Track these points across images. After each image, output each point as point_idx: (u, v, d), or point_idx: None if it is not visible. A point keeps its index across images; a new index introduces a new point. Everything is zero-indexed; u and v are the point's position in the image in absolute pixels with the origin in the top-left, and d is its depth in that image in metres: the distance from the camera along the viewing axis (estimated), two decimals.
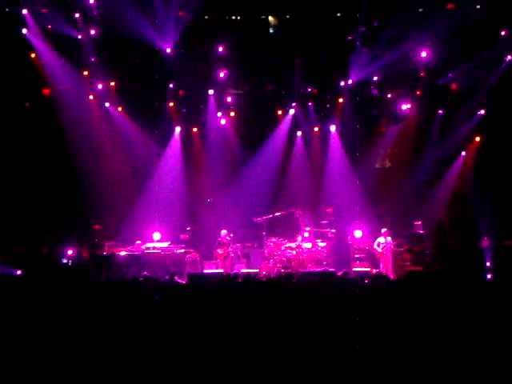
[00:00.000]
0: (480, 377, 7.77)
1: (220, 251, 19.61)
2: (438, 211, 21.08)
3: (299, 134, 22.70)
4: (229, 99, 22.04)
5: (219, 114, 22.28)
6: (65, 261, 17.58)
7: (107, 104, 21.60)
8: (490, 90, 20.75)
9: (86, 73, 20.70)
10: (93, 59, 20.38)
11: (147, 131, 21.84)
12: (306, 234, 19.80)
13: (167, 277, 13.47)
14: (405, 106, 21.57)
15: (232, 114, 22.37)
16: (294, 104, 22.17)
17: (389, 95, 21.66)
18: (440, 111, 21.77)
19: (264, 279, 17.00)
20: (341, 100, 21.89)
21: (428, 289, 9.61)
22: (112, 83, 21.23)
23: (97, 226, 20.00)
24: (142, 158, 22.01)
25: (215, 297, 9.30)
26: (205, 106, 22.03)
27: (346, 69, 20.90)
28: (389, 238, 19.16)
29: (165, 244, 19.56)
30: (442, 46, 19.85)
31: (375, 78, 21.20)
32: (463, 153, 22.07)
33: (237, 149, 22.58)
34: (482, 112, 21.34)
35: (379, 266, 18.99)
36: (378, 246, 19.16)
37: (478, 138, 21.87)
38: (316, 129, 22.70)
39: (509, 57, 20.21)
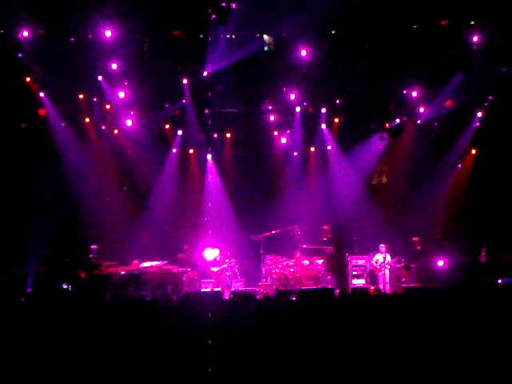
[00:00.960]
0: None
1: (214, 269, 19.60)
2: (435, 226, 21.08)
3: (295, 154, 22.79)
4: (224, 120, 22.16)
5: (215, 135, 22.38)
6: (64, 286, 17.43)
7: (103, 127, 21.67)
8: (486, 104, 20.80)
9: (81, 96, 20.76)
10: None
11: (144, 153, 21.87)
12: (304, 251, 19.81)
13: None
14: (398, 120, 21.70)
15: (228, 135, 22.50)
16: (288, 131, 22.30)
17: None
18: (436, 123, 21.76)
19: (262, 297, 16.98)
20: (336, 120, 21.98)
21: (425, 305, 9.59)
22: (108, 106, 21.33)
23: (93, 246, 19.99)
24: (139, 180, 22.06)
25: (209, 317, 9.29)
26: (201, 127, 22.13)
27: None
28: (388, 256, 19.14)
29: (161, 263, 19.52)
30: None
31: None
32: (459, 165, 22.05)
33: (233, 169, 22.64)
34: (477, 124, 21.36)
35: (377, 283, 18.96)
36: (376, 262, 19.14)
37: (473, 151, 21.86)
38: (312, 149, 22.78)
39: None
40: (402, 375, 7.85)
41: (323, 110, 21.81)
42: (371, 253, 19.73)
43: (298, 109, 21.65)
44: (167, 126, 22.18)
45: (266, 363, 7.99)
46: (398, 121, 21.73)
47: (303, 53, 19.09)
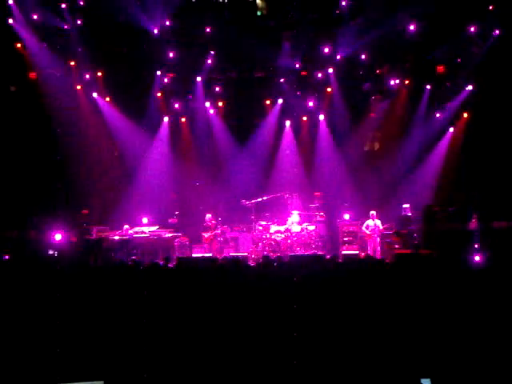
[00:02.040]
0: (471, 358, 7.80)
1: (206, 235, 19.62)
2: (426, 193, 21.07)
3: (288, 123, 22.70)
4: (217, 89, 22.03)
5: (207, 103, 22.26)
6: (51, 252, 17.33)
7: (95, 94, 21.48)
8: (477, 66, 20.59)
9: (72, 63, 20.60)
10: (79, 49, 20.29)
11: (136, 120, 21.74)
12: (296, 218, 19.80)
13: (161, 262, 13.36)
14: (393, 82, 21.55)
15: (220, 103, 22.45)
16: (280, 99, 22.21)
17: (377, 71, 21.60)
18: (428, 86, 21.54)
19: (253, 263, 17.04)
20: (329, 89, 21.88)
21: (417, 271, 9.62)
22: (99, 73, 21.16)
23: (85, 211, 19.94)
24: (131, 145, 21.99)
25: (205, 281, 9.29)
26: (193, 95, 21.95)
27: (334, 43, 20.82)
28: (378, 221, 19.19)
29: (153, 228, 19.50)
30: (430, 20, 19.73)
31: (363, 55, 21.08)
32: (451, 129, 21.88)
33: (226, 136, 22.54)
34: (470, 88, 21.20)
35: (367, 249, 19.03)
36: (367, 228, 19.19)
37: (465, 115, 21.66)
38: (304, 118, 22.69)
39: (497, 31, 20.01)
40: (395, 339, 7.91)
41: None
42: (362, 219, 19.77)
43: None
44: (159, 94, 21.98)
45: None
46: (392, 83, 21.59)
47: None
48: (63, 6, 19.64)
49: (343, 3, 20.15)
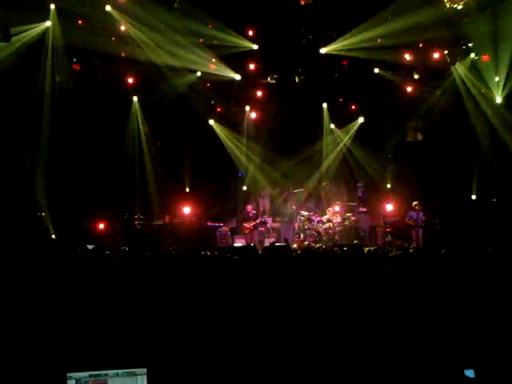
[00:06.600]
0: None
1: (246, 225, 19.66)
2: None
3: (325, 105, 22.03)
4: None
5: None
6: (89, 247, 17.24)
7: None
8: None
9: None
10: None
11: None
12: (337, 208, 19.73)
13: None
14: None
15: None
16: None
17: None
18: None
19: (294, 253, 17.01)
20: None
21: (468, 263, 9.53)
22: None
23: (127, 201, 20.10)
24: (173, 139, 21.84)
25: (243, 269, 9.34)
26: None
27: None
28: (421, 213, 19.02)
29: (194, 218, 19.62)
30: None
31: None
32: None
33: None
34: None
35: (411, 240, 18.86)
36: (410, 219, 19.04)
37: None
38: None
39: None
40: (439, 330, 7.83)
41: None
42: (406, 211, 19.59)
43: None
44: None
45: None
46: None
47: None
48: None
49: None
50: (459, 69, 20.02)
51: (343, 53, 19.92)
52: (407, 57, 20.11)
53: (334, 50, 19.89)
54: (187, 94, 20.87)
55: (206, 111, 21.56)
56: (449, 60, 19.90)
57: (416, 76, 20.48)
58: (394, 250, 14.04)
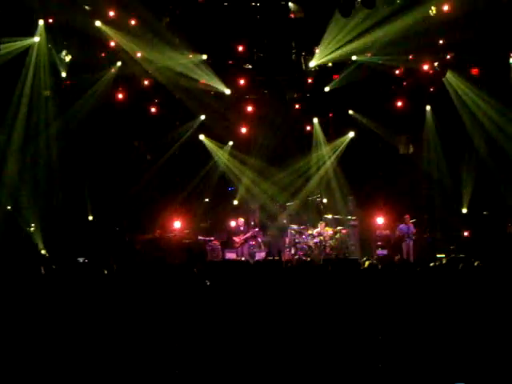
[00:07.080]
0: None
1: (236, 239, 19.60)
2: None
3: (315, 120, 21.96)
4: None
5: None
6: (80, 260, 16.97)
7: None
8: None
9: None
10: None
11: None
12: (328, 221, 19.73)
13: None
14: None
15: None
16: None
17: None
18: None
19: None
20: None
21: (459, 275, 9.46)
22: None
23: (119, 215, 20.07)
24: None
25: (238, 284, 9.27)
26: None
27: None
28: (412, 226, 19.07)
29: (184, 232, 19.56)
30: None
31: None
32: None
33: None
34: None
35: (401, 253, 18.85)
36: (401, 232, 19.05)
37: None
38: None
39: None
40: (430, 344, 7.79)
41: None
42: (396, 224, 19.61)
43: None
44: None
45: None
46: None
47: None
48: None
49: None
50: (450, 79, 20.01)
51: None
52: (397, 72, 20.19)
53: (322, 62, 19.92)
54: (177, 108, 20.88)
55: (197, 125, 21.49)
56: (438, 69, 19.87)
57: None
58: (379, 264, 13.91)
